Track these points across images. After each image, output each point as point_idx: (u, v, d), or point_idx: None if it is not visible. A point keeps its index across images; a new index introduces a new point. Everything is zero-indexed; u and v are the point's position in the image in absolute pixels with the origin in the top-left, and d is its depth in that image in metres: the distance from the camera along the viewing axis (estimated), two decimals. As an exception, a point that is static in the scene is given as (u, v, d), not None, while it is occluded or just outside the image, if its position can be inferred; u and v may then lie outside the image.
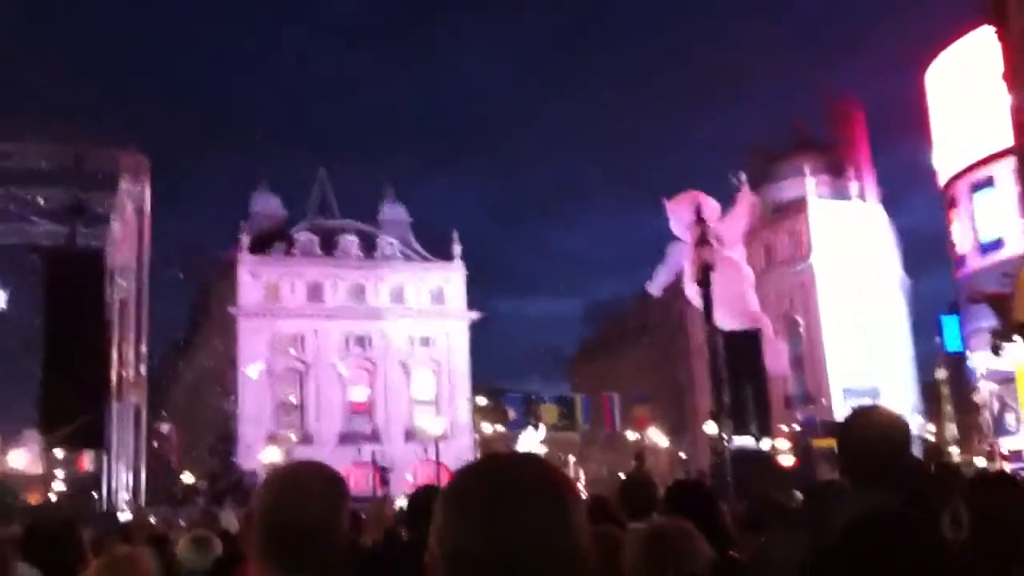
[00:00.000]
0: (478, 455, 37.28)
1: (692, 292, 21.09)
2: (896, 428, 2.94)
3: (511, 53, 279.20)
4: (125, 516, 18.15)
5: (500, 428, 67.91)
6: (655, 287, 29.71)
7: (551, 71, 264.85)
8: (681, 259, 21.49)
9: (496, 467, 1.40)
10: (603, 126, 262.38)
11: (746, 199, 29.61)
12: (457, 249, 77.38)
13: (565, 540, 1.31)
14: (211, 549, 5.13)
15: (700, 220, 18.63)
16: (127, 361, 27.27)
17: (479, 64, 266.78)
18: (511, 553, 1.27)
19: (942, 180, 58.78)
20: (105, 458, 27.03)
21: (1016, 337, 16.79)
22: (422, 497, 5.23)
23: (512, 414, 62.87)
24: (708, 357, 18.23)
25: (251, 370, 68.25)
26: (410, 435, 70.53)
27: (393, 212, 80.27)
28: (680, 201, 21.91)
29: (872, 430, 2.93)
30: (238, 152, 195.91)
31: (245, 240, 72.20)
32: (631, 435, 64.41)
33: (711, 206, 24.07)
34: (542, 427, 60.52)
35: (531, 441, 59.33)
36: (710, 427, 26.34)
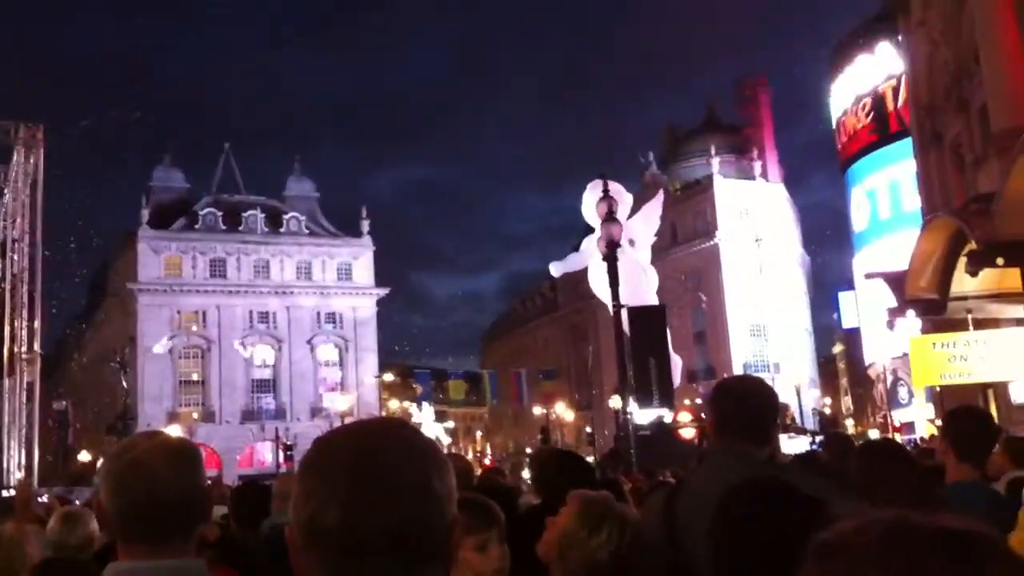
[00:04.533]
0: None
1: (594, 278, 21.32)
2: (765, 390, 3.21)
3: (436, 43, 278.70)
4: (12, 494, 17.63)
5: (407, 404, 67.81)
6: (557, 270, 30.00)
7: (480, 62, 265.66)
8: (590, 253, 21.72)
9: (358, 433, 1.29)
10: (529, 111, 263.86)
11: (659, 200, 29.99)
12: (366, 225, 76.75)
13: (425, 513, 1.23)
14: (82, 525, 5.01)
15: (607, 197, 18.70)
16: (19, 337, 26.39)
17: (407, 52, 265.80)
18: (368, 526, 1.20)
19: (843, 158, 60.14)
20: (-4, 436, 26.27)
21: (909, 312, 17.29)
22: None
23: (420, 390, 62.73)
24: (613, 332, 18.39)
25: (158, 346, 66.78)
26: (316, 412, 69.95)
27: (300, 187, 79.19)
28: (595, 187, 22.09)
29: (744, 391, 3.20)
30: (140, 126, 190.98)
31: (145, 214, 70.47)
32: (538, 410, 64.87)
33: (623, 196, 24.24)
34: (426, 406, 62.67)
35: (426, 418, 60.36)
36: (615, 401, 26.72)
